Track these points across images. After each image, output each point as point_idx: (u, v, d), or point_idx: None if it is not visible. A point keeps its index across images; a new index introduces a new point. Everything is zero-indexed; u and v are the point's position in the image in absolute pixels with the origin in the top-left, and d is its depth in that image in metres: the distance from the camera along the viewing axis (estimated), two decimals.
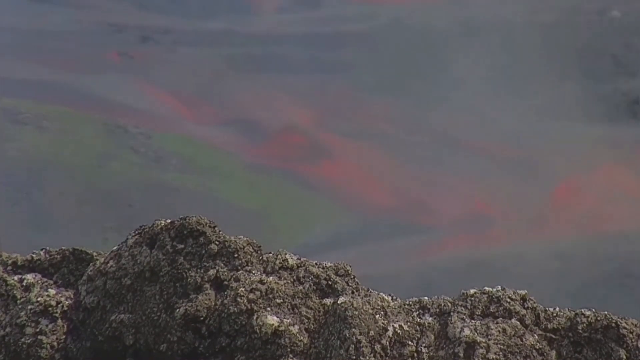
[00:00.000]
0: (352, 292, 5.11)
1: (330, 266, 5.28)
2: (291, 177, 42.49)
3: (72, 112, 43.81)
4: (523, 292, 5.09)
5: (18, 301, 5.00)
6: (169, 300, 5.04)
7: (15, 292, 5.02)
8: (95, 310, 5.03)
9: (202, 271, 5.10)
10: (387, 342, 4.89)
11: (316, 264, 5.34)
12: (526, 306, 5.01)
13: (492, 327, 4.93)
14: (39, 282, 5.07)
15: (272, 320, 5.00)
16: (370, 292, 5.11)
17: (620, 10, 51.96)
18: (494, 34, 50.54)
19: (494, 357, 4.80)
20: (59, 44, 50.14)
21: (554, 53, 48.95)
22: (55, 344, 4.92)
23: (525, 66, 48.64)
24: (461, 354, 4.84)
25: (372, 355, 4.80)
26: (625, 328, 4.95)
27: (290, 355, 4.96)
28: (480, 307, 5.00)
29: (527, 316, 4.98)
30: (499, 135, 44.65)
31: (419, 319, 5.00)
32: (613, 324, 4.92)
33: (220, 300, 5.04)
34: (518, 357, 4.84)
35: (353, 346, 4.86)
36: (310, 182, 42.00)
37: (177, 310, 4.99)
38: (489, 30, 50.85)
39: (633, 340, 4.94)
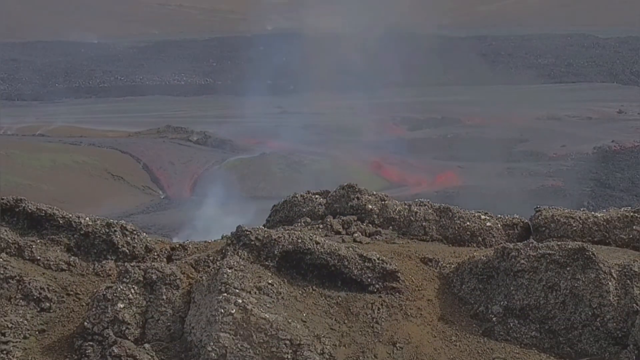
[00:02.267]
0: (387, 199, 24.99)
1: (384, 195, 25.13)
2: None
3: None
4: (418, 201, 24.77)
5: None
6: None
7: None
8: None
9: (355, 200, 25.14)
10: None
11: (383, 194, 25.20)
12: (418, 204, 24.63)
13: (414, 207, 24.50)
14: None
15: (373, 206, 24.82)
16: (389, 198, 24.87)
17: None
18: None
19: (405, 214, 24.45)
20: None
21: None
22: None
23: None
24: (397, 217, 24.50)
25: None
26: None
27: (375, 214, 24.72)
28: (403, 202, 24.70)
29: (413, 203, 24.58)
30: None
31: (385, 201, 24.66)
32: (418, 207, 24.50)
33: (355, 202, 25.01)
34: (411, 217, 24.36)
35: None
36: None
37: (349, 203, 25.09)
38: None
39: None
